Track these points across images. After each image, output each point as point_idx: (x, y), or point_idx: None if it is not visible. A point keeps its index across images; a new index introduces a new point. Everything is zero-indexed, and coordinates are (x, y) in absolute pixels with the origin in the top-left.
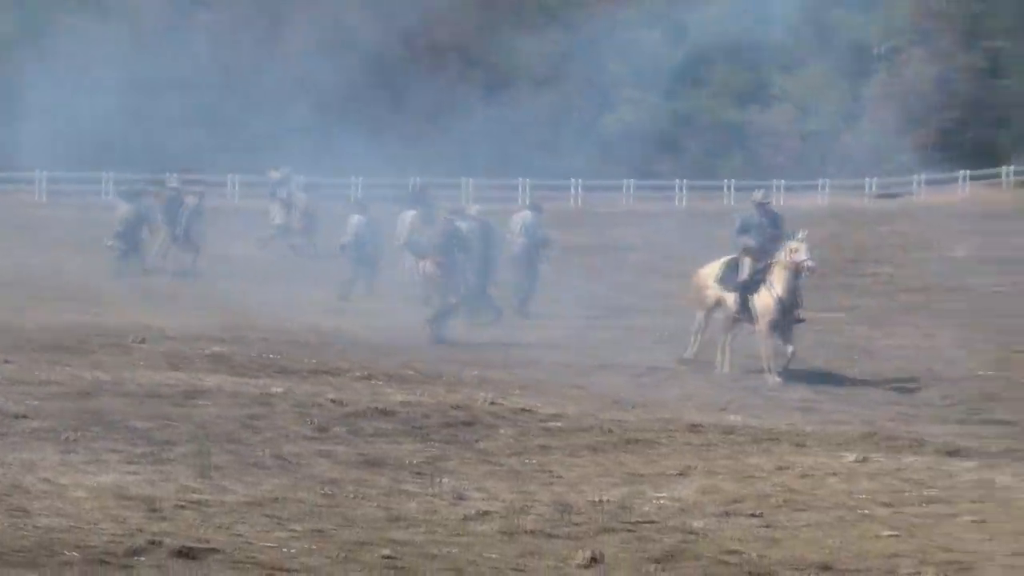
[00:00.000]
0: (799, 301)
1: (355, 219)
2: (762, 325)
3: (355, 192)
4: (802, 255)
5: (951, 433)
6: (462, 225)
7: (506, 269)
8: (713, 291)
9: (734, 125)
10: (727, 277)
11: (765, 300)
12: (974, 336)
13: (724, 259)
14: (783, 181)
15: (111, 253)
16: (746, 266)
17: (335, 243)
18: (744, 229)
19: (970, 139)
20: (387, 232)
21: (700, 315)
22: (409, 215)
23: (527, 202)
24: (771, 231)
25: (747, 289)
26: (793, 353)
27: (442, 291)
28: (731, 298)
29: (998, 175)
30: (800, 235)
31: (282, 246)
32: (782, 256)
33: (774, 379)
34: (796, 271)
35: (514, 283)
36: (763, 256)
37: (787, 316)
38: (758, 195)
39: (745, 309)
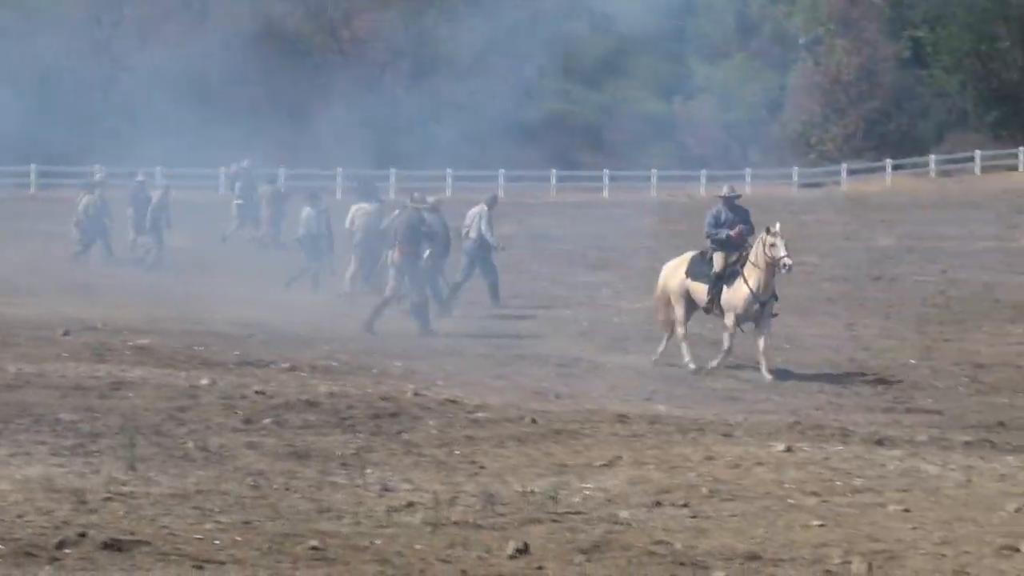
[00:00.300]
0: (775, 295)
1: (306, 211)
2: (730, 319)
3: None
4: (780, 251)
5: (878, 422)
6: (427, 216)
7: (459, 262)
8: (683, 282)
9: (658, 116)
10: (696, 269)
11: (739, 293)
12: (899, 326)
13: (690, 253)
14: (707, 171)
15: (74, 245)
16: (718, 260)
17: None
18: (716, 224)
19: (894, 129)
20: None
21: (679, 311)
22: (362, 208)
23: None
24: (741, 224)
25: (720, 282)
26: (765, 350)
27: (402, 282)
28: (701, 289)
29: (921, 164)
30: (775, 228)
31: (243, 239)
32: (758, 249)
33: (709, 366)
34: (772, 266)
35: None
36: (734, 250)
37: (762, 310)
38: (725, 189)
39: (717, 302)
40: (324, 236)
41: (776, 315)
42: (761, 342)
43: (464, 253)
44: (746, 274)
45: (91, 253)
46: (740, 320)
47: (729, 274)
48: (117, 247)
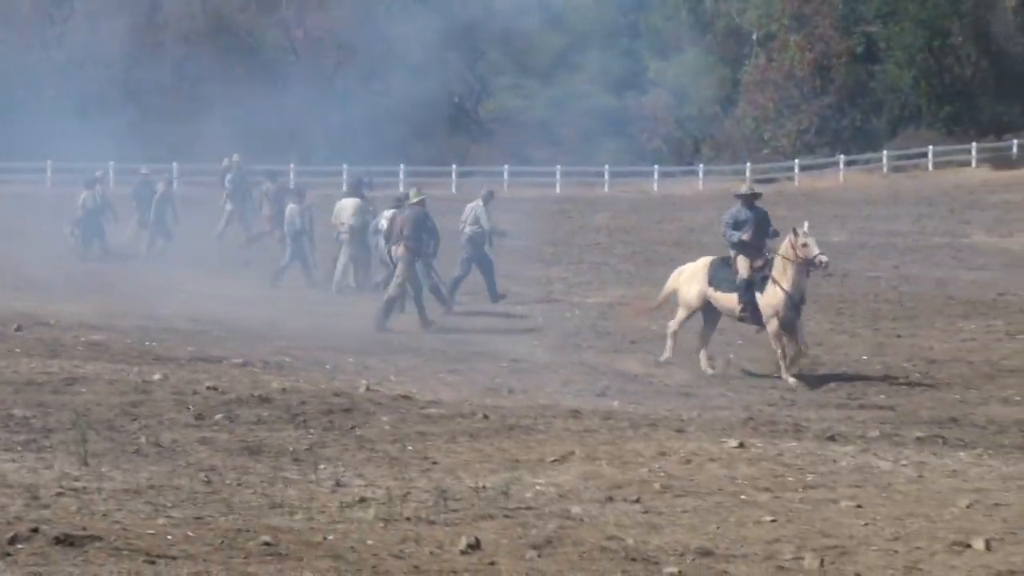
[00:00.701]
0: (804, 297)
1: (290, 207)
2: (772, 325)
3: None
4: (814, 249)
5: (830, 418)
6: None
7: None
8: (703, 291)
9: (611, 111)
10: (719, 277)
11: (775, 298)
12: (851, 321)
13: (707, 259)
14: (659, 167)
15: (72, 240)
16: (743, 265)
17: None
18: (735, 226)
19: (847, 125)
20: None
21: (682, 315)
22: (349, 203)
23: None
24: (763, 226)
25: (751, 288)
26: (796, 356)
27: (409, 277)
28: (729, 299)
29: (874, 160)
30: (804, 228)
31: (238, 236)
32: (787, 251)
33: (788, 380)
34: (805, 267)
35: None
36: (757, 253)
37: (798, 312)
38: (744, 187)
39: (752, 310)
40: (307, 232)
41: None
42: (799, 347)
43: (462, 248)
44: (777, 277)
45: (92, 248)
46: (783, 324)
47: (759, 280)
48: (117, 242)
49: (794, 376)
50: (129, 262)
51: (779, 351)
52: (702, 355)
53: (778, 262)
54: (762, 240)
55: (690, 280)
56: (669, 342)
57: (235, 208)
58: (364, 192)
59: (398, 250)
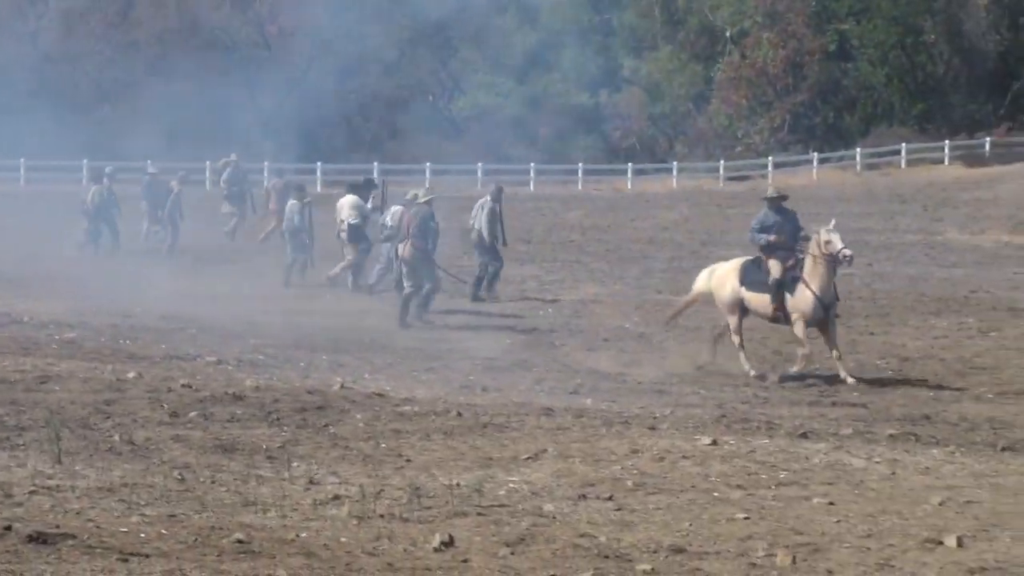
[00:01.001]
0: (836, 296)
1: (291, 204)
2: (799, 327)
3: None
4: (837, 244)
5: (803, 416)
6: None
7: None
8: (736, 292)
9: (585, 109)
10: (751, 278)
11: (804, 299)
12: None
13: (739, 260)
14: (633, 164)
15: (82, 235)
16: (775, 267)
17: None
18: (763, 228)
19: (820, 122)
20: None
21: (731, 321)
22: (347, 201)
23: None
24: (790, 228)
25: (782, 289)
26: (841, 355)
27: (417, 276)
28: (761, 299)
29: (848, 158)
30: (830, 225)
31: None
32: (814, 249)
33: (756, 373)
34: (832, 263)
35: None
36: (789, 255)
37: (827, 313)
38: (770, 191)
39: (783, 310)
40: (306, 229)
41: (838, 316)
42: (834, 351)
43: (474, 246)
44: (807, 278)
45: (101, 244)
46: (810, 325)
47: (790, 280)
48: (127, 238)
49: (850, 377)
50: (146, 259)
51: (802, 351)
52: (713, 348)
53: (808, 262)
54: (793, 241)
55: (723, 282)
56: (740, 355)
57: (236, 207)
58: (373, 190)
59: (405, 249)
